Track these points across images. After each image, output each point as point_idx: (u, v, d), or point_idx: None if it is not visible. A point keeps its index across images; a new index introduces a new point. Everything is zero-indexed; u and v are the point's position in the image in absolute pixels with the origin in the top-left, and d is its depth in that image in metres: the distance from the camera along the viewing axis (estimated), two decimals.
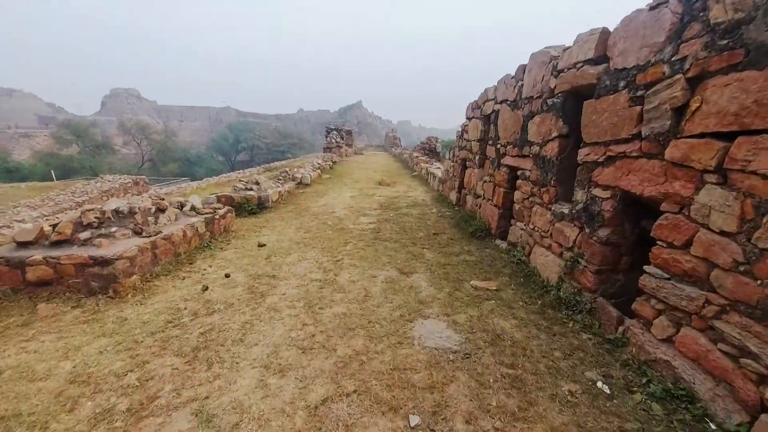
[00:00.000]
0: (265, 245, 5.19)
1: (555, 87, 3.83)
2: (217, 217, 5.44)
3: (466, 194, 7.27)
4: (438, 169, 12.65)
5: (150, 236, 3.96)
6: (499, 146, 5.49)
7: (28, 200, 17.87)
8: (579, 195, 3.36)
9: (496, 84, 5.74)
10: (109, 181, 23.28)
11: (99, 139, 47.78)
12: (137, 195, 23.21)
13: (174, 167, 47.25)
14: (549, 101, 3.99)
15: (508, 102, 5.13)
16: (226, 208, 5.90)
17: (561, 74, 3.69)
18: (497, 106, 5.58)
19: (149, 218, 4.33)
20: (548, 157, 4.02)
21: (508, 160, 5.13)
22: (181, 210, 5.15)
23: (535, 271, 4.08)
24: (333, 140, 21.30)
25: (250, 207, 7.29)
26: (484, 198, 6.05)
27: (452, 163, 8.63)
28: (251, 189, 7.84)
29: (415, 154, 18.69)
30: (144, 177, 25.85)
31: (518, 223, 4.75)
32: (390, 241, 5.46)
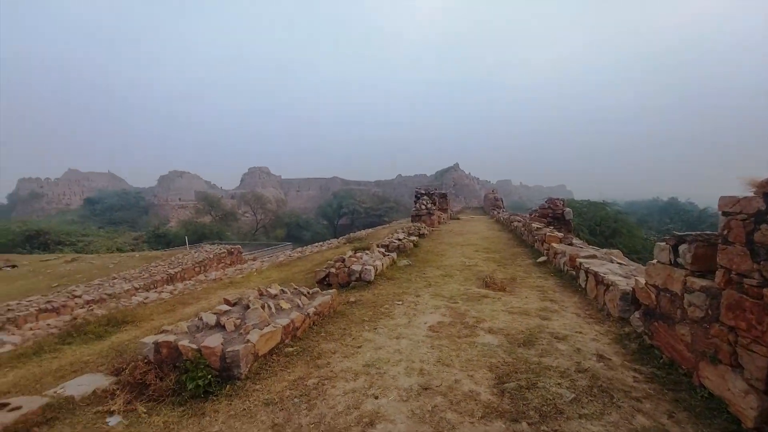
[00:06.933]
0: None
1: None
2: None
3: None
4: (595, 259, 7.07)
5: None
6: None
7: (126, 272, 18.41)
8: None
9: None
10: (206, 251, 23.76)
11: (227, 209, 55.00)
12: (229, 265, 22.95)
13: (281, 232, 50.45)
14: None
15: None
16: None
17: None
18: None
19: None
20: None
21: None
22: None
23: None
24: (423, 206, 17.38)
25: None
26: None
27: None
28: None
29: (534, 225, 13.13)
30: (239, 246, 26.12)
31: None
32: None
